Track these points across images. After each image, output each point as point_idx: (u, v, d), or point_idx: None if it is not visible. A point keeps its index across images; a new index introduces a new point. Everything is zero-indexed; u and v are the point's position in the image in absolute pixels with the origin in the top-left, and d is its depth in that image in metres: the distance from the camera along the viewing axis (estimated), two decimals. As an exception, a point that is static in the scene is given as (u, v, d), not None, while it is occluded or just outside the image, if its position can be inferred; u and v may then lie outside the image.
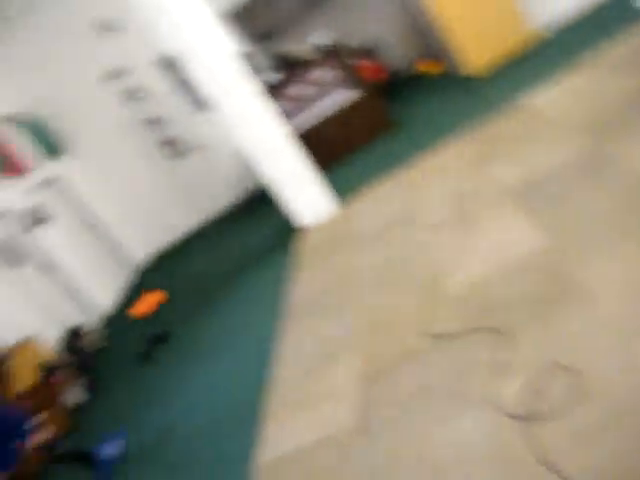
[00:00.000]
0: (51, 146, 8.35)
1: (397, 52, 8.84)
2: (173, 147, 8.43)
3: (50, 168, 8.20)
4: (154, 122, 8.33)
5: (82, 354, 6.15)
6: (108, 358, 6.11)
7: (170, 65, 7.97)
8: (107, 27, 7.88)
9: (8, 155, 7.46)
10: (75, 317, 6.98)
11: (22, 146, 7.86)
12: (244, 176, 8.37)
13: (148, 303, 5.68)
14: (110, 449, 3.93)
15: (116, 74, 8.12)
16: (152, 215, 8.86)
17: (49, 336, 6.27)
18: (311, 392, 3.32)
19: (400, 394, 2.84)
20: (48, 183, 8.04)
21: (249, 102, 5.40)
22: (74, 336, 6.45)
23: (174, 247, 8.80)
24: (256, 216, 7.23)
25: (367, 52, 8.39)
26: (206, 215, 8.83)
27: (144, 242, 9.05)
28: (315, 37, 7.18)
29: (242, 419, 3.49)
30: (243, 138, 5.46)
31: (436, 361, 2.89)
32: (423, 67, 8.31)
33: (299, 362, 3.67)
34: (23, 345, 5.62)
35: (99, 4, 7.81)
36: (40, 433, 3.72)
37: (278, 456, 3.04)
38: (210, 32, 5.32)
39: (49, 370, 5.49)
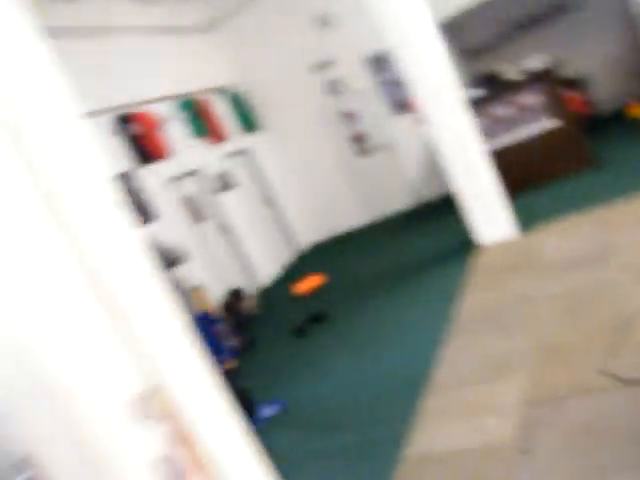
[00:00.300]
0: (249, 121, 8.95)
1: (607, 89, 8.41)
2: (361, 143, 8.67)
3: (244, 140, 8.79)
4: (348, 116, 8.63)
5: (239, 315, 6.54)
6: (262, 325, 6.44)
7: (376, 64, 8.21)
8: (325, 21, 8.28)
9: (212, 123, 8.11)
10: (237, 280, 7.44)
11: (224, 116, 8.50)
12: (426, 183, 8.41)
13: (309, 284, 5.92)
14: (267, 411, 4.18)
15: (323, 65, 8.51)
16: (326, 204, 9.17)
17: (212, 291, 6.74)
18: (471, 401, 3.28)
19: (569, 426, 2.72)
20: (240, 154, 8.63)
21: (454, 112, 5.42)
22: (234, 297, 6.88)
23: (342, 238, 9.03)
24: (432, 224, 7.23)
25: (576, 83, 8.07)
26: (380, 214, 8.95)
27: (312, 227, 9.40)
28: (528, 60, 7.04)
29: (394, 408, 3.53)
30: (440, 145, 5.50)
31: (615, 403, 2.73)
32: (633, 109, 7.83)
33: (462, 370, 3.64)
34: (192, 292, 6.08)
35: (322, -2, 8.25)
36: (231, 362, 4.01)
37: (427, 452, 3.05)
38: (427, 38, 5.41)
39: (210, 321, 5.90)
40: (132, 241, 1.44)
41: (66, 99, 1.41)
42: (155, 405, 1.32)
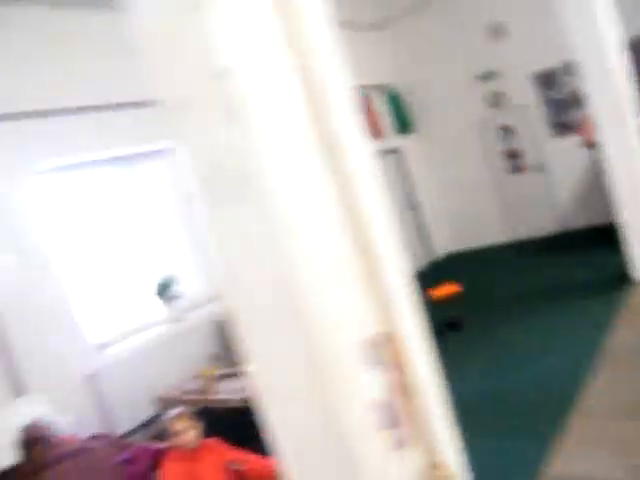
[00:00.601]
0: (404, 121, 9.01)
1: None
2: (514, 160, 8.47)
3: (396, 140, 8.87)
4: (505, 131, 8.46)
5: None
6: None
7: (543, 80, 7.97)
8: (498, 31, 8.15)
9: (369, 119, 8.24)
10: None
11: (381, 114, 8.63)
12: (578, 210, 8.07)
13: (444, 291, 5.88)
14: None
15: (487, 76, 8.39)
16: (468, 215, 9.05)
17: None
18: (618, 435, 3.15)
19: None
20: (390, 153, 8.72)
21: (630, 139, 5.18)
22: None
23: (479, 252, 8.86)
24: (579, 253, 6.92)
25: None
26: (523, 234, 8.67)
27: (450, 236, 9.30)
28: None
29: (536, 424, 3.46)
30: (611, 172, 5.27)
31: None
32: None
33: (610, 403, 3.48)
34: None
35: (497, 9, 8.11)
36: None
37: (568, 476, 2.97)
38: (614, 57, 5.19)
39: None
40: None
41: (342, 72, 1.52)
42: (385, 352, 1.40)
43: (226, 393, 4.50)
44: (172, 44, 1.31)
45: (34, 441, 3.05)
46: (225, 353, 5.81)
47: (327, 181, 1.40)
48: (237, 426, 4.38)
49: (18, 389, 4.57)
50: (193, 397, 4.73)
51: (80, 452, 3.10)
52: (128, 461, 3.40)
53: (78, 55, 5.49)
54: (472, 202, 8.99)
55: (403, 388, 1.43)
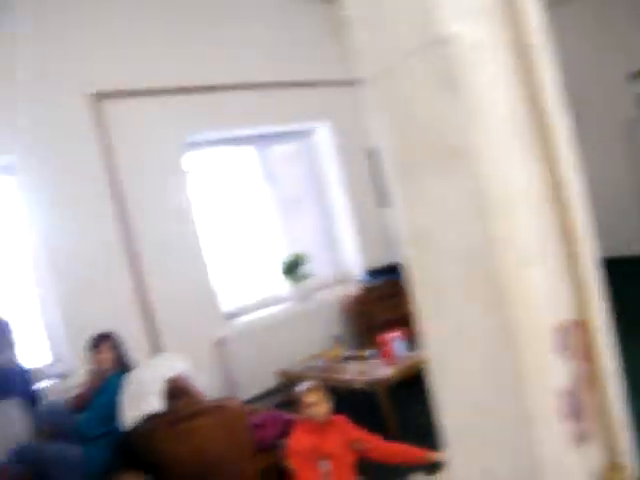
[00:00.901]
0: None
1: None
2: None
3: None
4: (658, 134, 7.88)
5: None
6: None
7: None
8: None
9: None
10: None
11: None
12: None
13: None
14: None
15: (643, 75, 7.83)
16: (605, 222, 8.40)
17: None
18: None
19: None
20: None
21: None
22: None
23: (614, 262, 8.26)
24: None
25: None
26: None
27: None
28: None
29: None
30: None
31: None
32: None
33: None
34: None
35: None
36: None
37: None
38: None
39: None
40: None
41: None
42: (576, 340, 1.35)
43: (350, 374, 4.54)
44: (387, 10, 1.32)
45: (179, 392, 3.24)
46: (349, 336, 5.87)
47: (535, 161, 1.36)
48: (359, 408, 4.42)
49: (156, 347, 4.88)
50: (316, 374, 4.81)
51: (218, 409, 3.26)
52: (258, 426, 3.52)
53: (235, 34, 5.73)
54: (610, 209, 8.41)
55: (589, 380, 1.36)
